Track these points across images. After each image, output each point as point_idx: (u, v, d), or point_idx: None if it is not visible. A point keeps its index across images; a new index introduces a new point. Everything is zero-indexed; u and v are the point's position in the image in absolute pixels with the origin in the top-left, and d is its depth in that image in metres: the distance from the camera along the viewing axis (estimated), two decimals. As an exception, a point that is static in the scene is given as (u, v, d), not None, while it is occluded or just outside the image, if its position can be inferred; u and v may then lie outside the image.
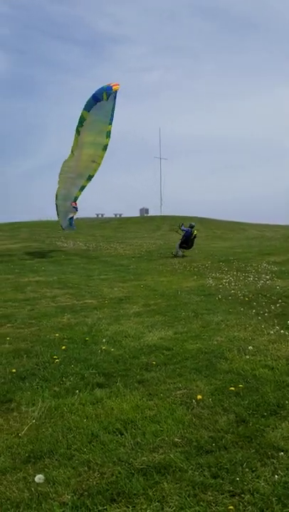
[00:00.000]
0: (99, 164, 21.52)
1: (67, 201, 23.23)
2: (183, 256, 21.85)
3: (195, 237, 23.23)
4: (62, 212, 24.19)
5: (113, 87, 20.02)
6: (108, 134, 21.07)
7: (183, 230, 22.87)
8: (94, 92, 20.60)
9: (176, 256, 21.88)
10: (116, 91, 20.32)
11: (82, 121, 21.37)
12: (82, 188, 22.38)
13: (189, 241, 22.79)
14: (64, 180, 22.88)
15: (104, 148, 21.22)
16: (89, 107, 20.90)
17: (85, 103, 21.12)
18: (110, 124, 20.96)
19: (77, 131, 21.70)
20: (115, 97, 20.78)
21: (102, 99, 20.17)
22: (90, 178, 21.98)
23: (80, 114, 21.40)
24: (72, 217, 24.20)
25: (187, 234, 22.61)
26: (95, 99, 20.51)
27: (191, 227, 23.04)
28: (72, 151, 22.27)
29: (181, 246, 22.60)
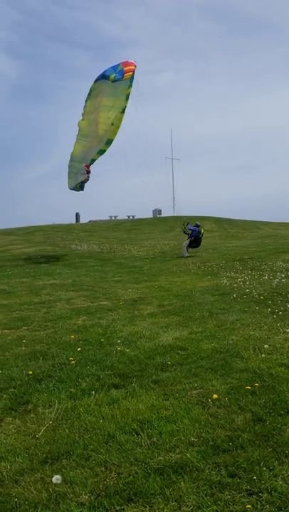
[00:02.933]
0: (118, 127, 20.59)
1: (82, 163, 22.43)
2: (188, 257, 21.81)
3: (202, 235, 23.22)
4: (74, 174, 23.38)
5: (125, 75, 19.17)
6: (127, 97, 20.03)
7: (190, 229, 22.84)
8: (106, 69, 19.81)
9: (182, 256, 21.87)
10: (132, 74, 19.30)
11: (90, 90, 20.93)
12: (101, 151, 21.53)
13: (198, 239, 22.79)
14: (82, 144, 22.19)
15: (123, 110, 20.26)
16: (97, 79, 20.42)
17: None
18: (130, 87, 20.01)
19: (86, 101, 21.22)
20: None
21: (109, 79, 19.46)
22: (109, 142, 21.15)
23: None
24: (84, 181, 23.19)
25: (195, 233, 22.60)
26: (103, 76, 19.87)
27: (197, 226, 23.03)
28: (82, 116, 21.62)
29: (190, 246, 22.59)
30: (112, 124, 20.33)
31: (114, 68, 19.43)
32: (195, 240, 22.72)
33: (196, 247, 22.99)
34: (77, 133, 22.16)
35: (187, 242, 22.66)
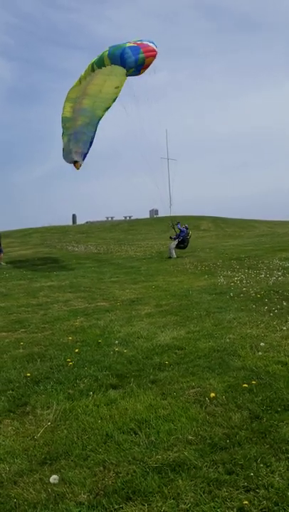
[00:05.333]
0: (120, 89, 18.43)
1: (88, 126, 19.96)
2: (176, 257, 21.94)
3: (190, 236, 23.55)
4: (67, 135, 20.72)
5: (142, 70, 16.42)
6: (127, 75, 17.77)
7: (179, 229, 23.08)
8: (127, 50, 16.39)
9: (170, 257, 22.02)
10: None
11: (101, 62, 17.78)
12: (107, 108, 19.38)
13: (185, 241, 23.04)
14: (70, 105, 19.82)
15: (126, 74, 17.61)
16: (111, 55, 17.07)
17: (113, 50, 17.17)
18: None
19: (92, 68, 18.18)
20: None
21: (127, 72, 16.64)
22: (114, 100, 19.15)
23: (101, 54, 17.63)
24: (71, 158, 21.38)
25: (183, 234, 22.88)
26: (123, 62, 16.50)
27: (186, 228, 23.33)
28: (79, 79, 19.15)
29: (178, 246, 22.83)
30: (117, 87, 18.26)
31: (135, 56, 16.29)
32: (182, 241, 22.97)
33: (183, 248, 23.24)
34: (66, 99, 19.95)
35: (175, 243, 22.87)
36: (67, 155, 21.43)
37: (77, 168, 21.49)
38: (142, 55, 16.42)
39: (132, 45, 16.95)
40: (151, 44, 17.11)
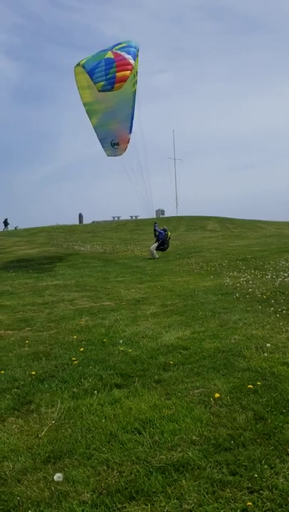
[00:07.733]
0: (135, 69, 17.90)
1: (123, 103, 19.11)
2: (157, 257, 22.03)
3: (170, 238, 23.78)
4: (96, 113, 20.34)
5: (115, 86, 16.39)
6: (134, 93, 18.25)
7: (157, 231, 23.23)
8: (98, 63, 16.86)
9: (153, 258, 22.12)
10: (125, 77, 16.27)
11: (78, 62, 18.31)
12: (135, 83, 18.62)
13: (165, 242, 23.29)
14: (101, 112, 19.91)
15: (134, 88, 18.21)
16: (85, 66, 17.48)
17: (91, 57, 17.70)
18: (135, 84, 18.01)
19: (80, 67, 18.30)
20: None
21: (96, 85, 16.83)
22: (135, 75, 18.50)
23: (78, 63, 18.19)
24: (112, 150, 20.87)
25: (162, 236, 23.08)
26: (91, 74, 16.94)
27: (164, 230, 23.46)
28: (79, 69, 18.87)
29: (158, 248, 23.00)
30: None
31: (106, 69, 16.65)
32: (162, 243, 23.20)
33: (164, 250, 23.42)
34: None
35: (155, 245, 23.13)
36: (104, 136, 20.73)
37: (120, 154, 20.88)
38: (114, 68, 16.51)
39: (109, 56, 17.00)
40: (128, 56, 17.00)
